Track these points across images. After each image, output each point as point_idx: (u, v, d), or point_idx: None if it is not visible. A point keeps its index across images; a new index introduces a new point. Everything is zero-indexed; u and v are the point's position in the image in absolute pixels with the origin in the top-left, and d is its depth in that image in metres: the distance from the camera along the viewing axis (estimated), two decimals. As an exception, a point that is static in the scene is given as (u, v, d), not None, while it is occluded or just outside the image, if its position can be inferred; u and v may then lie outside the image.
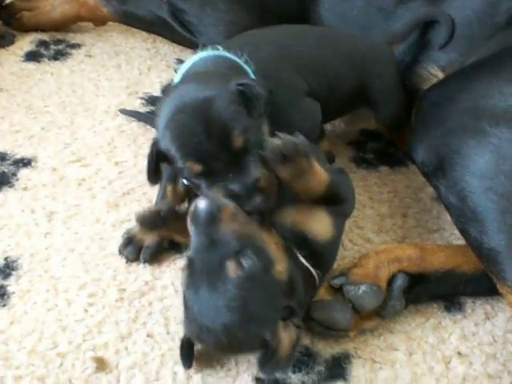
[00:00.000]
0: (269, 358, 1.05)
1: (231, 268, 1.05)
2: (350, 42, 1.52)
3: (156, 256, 1.37)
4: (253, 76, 1.27)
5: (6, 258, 1.36)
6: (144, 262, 1.35)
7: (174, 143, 1.12)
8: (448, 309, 1.30)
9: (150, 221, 1.23)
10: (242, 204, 1.10)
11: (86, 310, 1.26)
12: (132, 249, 1.36)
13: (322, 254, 1.20)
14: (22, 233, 1.42)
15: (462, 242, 1.28)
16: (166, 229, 1.26)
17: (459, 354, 1.22)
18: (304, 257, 1.17)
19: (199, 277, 1.07)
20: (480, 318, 1.29)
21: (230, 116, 1.11)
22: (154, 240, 1.36)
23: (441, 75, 1.57)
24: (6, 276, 1.32)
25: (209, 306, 1.05)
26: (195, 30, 1.87)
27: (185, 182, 1.27)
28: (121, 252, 1.37)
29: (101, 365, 1.17)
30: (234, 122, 1.10)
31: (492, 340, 1.24)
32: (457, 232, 1.31)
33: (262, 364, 1.06)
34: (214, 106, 1.10)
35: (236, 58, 1.28)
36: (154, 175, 1.21)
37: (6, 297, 1.28)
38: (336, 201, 1.22)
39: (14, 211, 1.47)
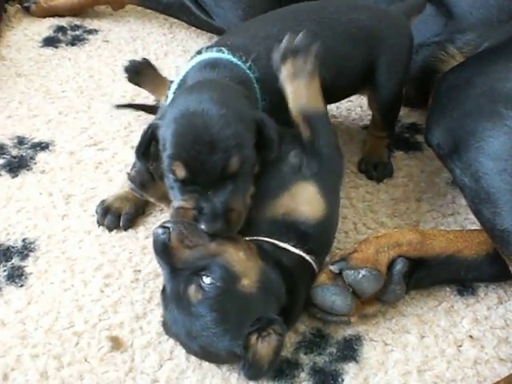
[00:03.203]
0: (248, 369, 1.07)
1: (192, 293, 1.07)
2: (352, 19, 1.43)
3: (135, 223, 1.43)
4: (257, 88, 1.28)
5: (23, 240, 1.38)
6: (125, 230, 1.40)
7: (175, 138, 1.11)
8: (461, 292, 1.30)
9: (140, 177, 1.22)
10: (204, 222, 1.09)
11: (102, 291, 1.28)
12: (111, 218, 1.40)
13: (315, 237, 1.20)
14: (40, 215, 1.44)
15: (476, 226, 1.29)
16: (154, 191, 1.24)
17: (471, 337, 1.22)
18: (295, 246, 1.17)
19: (170, 303, 1.10)
20: (493, 302, 1.29)
21: (238, 141, 1.10)
22: (131, 207, 1.41)
23: (458, 55, 1.56)
24: (24, 257, 1.35)
25: (182, 328, 1.09)
26: (212, 12, 1.87)
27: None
28: (100, 223, 1.41)
29: (116, 344, 1.19)
30: (239, 148, 1.10)
31: (504, 324, 1.25)
32: (471, 216, 1.31)
33: (243, 373, 1.08)
34: (230, 126, 1.10)
35: (241, 64, 1.27)
36: (143, 153, 1.21)
37: (23, 277, 1.31)
38: (314, 140, 1.24)
39: (31, 194, 1.50)
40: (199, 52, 1.33)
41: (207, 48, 1.33)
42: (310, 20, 1.40)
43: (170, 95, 1.30)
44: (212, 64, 1.27)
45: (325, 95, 1.37)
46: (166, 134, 1.13)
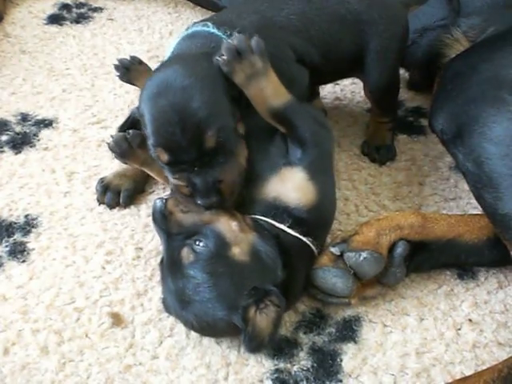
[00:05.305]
0: (248, 341, 1.07)
1: (184, 255, 1.09)
2: (342, 1, 1.41)
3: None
4: None
5: (26, 216, 1.39)
6: (125, 206, 1.41)
7: (150, 125, 1.12)
8: (461, 276, 1.30)
9: (119, 146, 1.25)
10: (199, 198, 1.12)
11: (104, 268, 1.29)
12: (111, 195, 1.41)
13: (311, 221, 1.19)
14: (43, 192, 1.45)
15: (478, 211, 1.28)
16: (135, 158, 1.26)
17: (470, 321, 1.22)
18: (291, 227, 1.17)
19: (166, 271, 1.12)
20: (493, 286, 1.29)
21: (207, 113, 1.10)
22: (130, 183, 1.42)
23: (463, 39, 1.55)
24: (26, 233, 1.36)
25: (176, 296, 1.10)
26: None
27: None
28: (100, 201, 1.42)
29: (117, 320, 1.20)
30: (211, 120, 1.10)
31: (504, 309, 1.25)
32: (473, 201, 1.31)
33: (245, 346, 1.09)
34: (194, 99, 1.09)
35: (222, 35, 1.25)
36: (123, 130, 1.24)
37: (25, 253, 1.31)
38: (294, 133, 1.21)
39: (34, 171, 1.50)
40: (187, 29, 1.32)
41: (194, 24, 1.32)
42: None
43: None
44: (191, 35, 1.27)
45: (314, 73, 1.37)
46: (144, 120, 1.14)
